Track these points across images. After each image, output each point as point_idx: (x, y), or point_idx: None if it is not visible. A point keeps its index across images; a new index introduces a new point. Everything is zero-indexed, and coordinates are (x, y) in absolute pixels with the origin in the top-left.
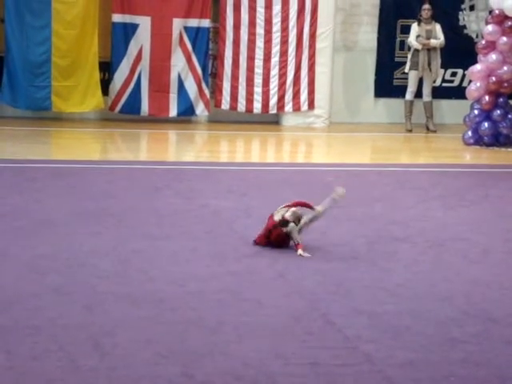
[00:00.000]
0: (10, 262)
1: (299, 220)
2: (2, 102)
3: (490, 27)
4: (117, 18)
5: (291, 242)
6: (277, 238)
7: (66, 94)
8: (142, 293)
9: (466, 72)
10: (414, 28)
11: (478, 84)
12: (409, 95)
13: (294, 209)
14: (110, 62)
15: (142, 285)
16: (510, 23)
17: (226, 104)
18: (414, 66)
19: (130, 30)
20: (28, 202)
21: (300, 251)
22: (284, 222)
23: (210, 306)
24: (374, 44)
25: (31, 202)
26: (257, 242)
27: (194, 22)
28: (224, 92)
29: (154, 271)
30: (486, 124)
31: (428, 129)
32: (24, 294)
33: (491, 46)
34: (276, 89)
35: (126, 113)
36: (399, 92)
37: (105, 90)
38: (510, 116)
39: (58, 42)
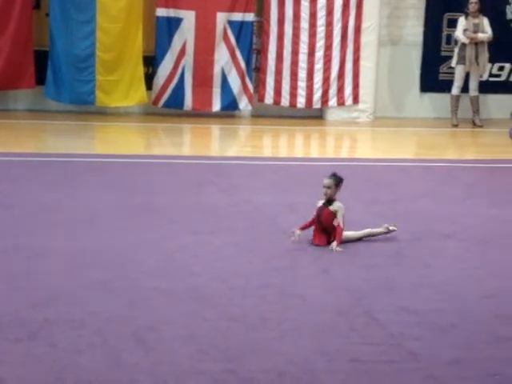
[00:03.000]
0: (53, 257)
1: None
2: (47, 96)
3: None
4: (161, 12)
5: (334, 222)
6: (327, 217)
7: (109, 88)
8: (185, 288)
9: None
10: (461, 22)
11: None
12: (455, 90)
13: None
14: (153, 56)
15: (185, 280)
16: None
17: (269, 98)
18: (461, 61)
19: (173, 24)
20: (72, 197)
21: (334, 245)
22: (330, 201)
23: (253, 302)
24: (419, 38)
25: (75, 196)
26: (302, 228)
27: (237, 16)
28: (267, 86)
29: (198, 267)
30: None
31: (474, 124)
32: (68, 289)
33: None
34: (320, 83)
35: (170, 107)
36: (445, 86)
37: (149, 85)
38: None
39: (103, 36)
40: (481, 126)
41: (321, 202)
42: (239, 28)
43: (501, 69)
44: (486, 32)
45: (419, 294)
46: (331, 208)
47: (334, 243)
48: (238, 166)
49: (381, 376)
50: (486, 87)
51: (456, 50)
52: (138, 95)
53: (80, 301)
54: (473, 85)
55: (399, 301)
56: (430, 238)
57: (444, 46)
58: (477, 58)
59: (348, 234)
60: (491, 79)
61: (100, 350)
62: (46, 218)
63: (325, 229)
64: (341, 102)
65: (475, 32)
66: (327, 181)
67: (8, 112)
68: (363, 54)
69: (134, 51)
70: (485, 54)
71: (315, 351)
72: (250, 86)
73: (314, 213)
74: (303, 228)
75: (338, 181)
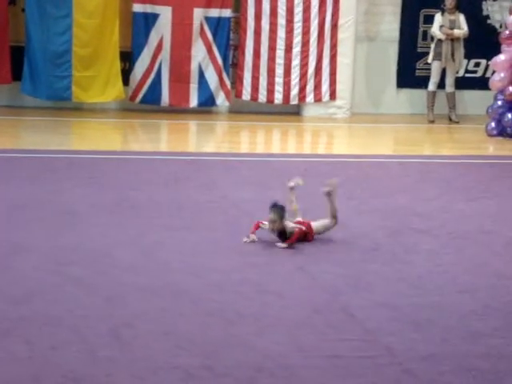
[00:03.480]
0: (30, 253)
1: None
2: (23, 92)
3: None
4: (137, 7)
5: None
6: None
7: (86, 84)
8: (162, 284)
9: (489, 62)
10: (438, 18)
11: (502, 74)
12: (431, 86)
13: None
14: (130, 51)
15: (162, 276)
16: None
17: (246, 94)
18: (437, 57)
19: (150, 19)
20: (48, 193)
21: (280, 244)
22: (283, 234)
23: (230, 298)
24: (396, 34)
25: (51, 192)
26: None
27: (215, 12)
28: (245, 82)
29: (175, 263)
30: (510, 115)
31: (451, 120)
32: (44, 285)
33: None
34: (297, 79)
35: (147, 103)
36: (422, 82)
37: (125, 80)
38: None
39: (79, 32)
40: (457, 122)
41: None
42: (216, 24)
43: (477, 65)
44: (462, 28)
45: (395, 290)
46: (288, 236)
47: (282, 244)
48: (215, 162)
49: (357, 371)
50: (462, 83)
51: (432, 46)
52: (114, 91)
53: (56, 298)
54: (449, 81)
55: (376, 296)
56: (406, 233)
57: (420, 42)
58: (453, 54)
59: (317, 225)
60: (467, 75)
61: (76, 346)
62: (23, 214)
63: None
64: (318, 98)
65: (451, 28)
66: (271, 215)
67: None
68: (340, 50)
69: (111, 47)
70: (461, 51)
71: (292, 347)
72: (228, 82)
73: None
74: (256, 228)
75: (281, 212)
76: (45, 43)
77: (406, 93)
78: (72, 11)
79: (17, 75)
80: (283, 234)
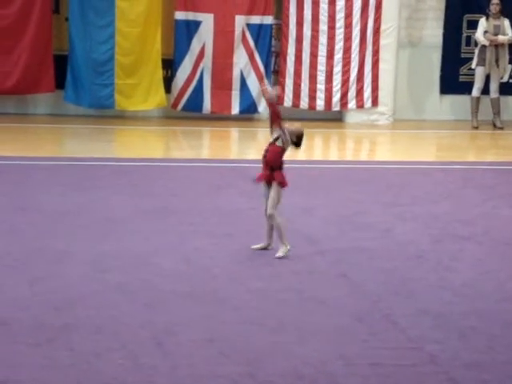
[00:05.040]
0: (72, 261)
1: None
2: (66, 100)
3: None
4: (179, 15)
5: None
6: (272, 155)
7: (128, 91)
8: (204, 291)
9: None
10: (482, 23)
11: None
12: (475, 91)
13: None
14: (172, 59)
15: (204, 283)
16: None
17: (288, 101)
18: (481, 62)
19: (192, 27)
20: (91, 200)
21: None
22: (276, 139)
23: (272, 306)
24: (439, 40)
25: (94, 200)
26: (258, 180)
27: (256, 19)
28: (286, 89)
29: (216, 269)
30: None
31: (495, 126)
32: (87, 293)
33: None
34: (339, 86)
35: (189, 110)
36: (465, 88)
37: (167, 88)
38: None
39: (122, 40)
40: (501, 128)
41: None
42: (258, 31)
43: None
44: (507, 34)
45: (439, 297)
46: (278, 143)
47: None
48: (257, 169)
49: (401, 379)
50: (507, 89)
51: (476, 51)
52: (156, 99)
53: (99, 305)
54: (493, 87)
55: (419, 304)
56: (449, 240)
57: (464, 47)
58: (497, 60)
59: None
60: None
61: (118, 353)
62: (66, 221)
63: (266, 162)
64: (360, 105)
65: (496, 34)
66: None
67: (28, 116)
68: (382, 56)
69: (153, 55)
70: (505, 56)
71: (334, 355)
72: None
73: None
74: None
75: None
76: (88, 52)
77: (450, 99)
78: (115, 20)
79: (60, 83)
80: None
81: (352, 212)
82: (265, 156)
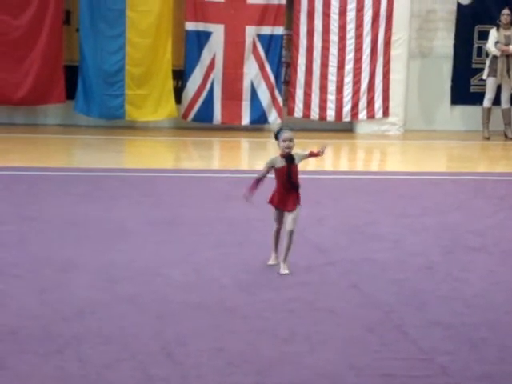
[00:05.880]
0: (82, 271)
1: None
2: (77, 110)
3: None
4: (190, 26)
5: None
6: (296, 173)
7: (139, 102)
8: (214, 301)
9: None
10: (493, 34)
11: None
12: (486, 102)
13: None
14: (183, 70)
15: (214, 293)
16: None
17: (298, 112)
18: (493, 73)
19: (203, 37)
20: (100, 211)
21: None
22: (291, 156)
23: (282, 316)
24: (450, 50)
25: (104, 210)
26: (271, 202)
27: (267, 30)
28: (297, 100)
29: (226, 280)
30: None
31: (506, 136)
32: (96, 303)
33: None
34: (350, 96)
35: (199, 121)
36: (476, 99)
37: (178, 99)
38: None
39: (132, 51)
40: None
41: (280, 162)
42: (268, 41)
43: None
44: None
45: (450, 308)
46: (296, 162)
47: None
48: (267, 180)
49: None
50: None
51: (487, 62)
52: (167, 109)
53: (108, 315)
54: (505, 97)
55: (430, 315)
56: (460, 251)
57: (475, 58)
58: (508, 70)
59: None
60: None
61: (128, 364)
62: (75, 231)
63: (294, 186)
64: (371, 115)
65: (507, 44)
66: (288, 134)
67: (38, 127)
68: (393, 66)
69: (164, 65)
70: None
71: (345, 365)
72: (280, 100)
73: (273, 175)
74: (252, 189)
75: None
76: (98, 62)
77: (461, 109)
78: (125, 30)
79: (70, 94)
80: (292, 158)
81: (362, 222)
82: (290, 177)
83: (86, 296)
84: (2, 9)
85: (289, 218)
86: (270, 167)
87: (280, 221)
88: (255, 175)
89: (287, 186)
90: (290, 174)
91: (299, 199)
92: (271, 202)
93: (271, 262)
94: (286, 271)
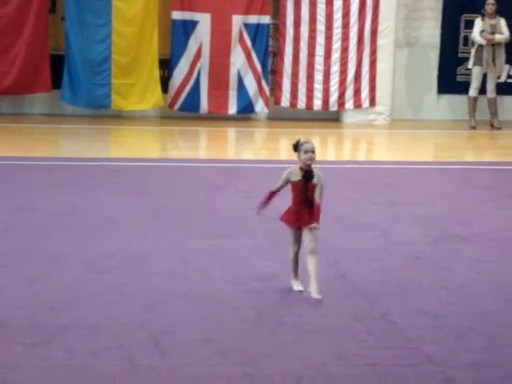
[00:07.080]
0: (69, 261)
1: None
2: (63, 100)
3: None
4: (176, 15)
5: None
6: (312, 192)
7: (125, 91)
8: (201, 291)
9: None
10: (478, 23)
11: None
12: (472, 91)
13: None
14: (169, 59)
15: (201, 283)
16: None
17: (285, 101)
18: (478, 62)
19: (189, 26)
20: (87, 201)
21: (315, 225)
22: (311, 172)
23: (269, 306)
24: (436, 40)
25: (90, 200)
26: (286, 220)
27: (253, 19)
28: (284, 89)
29: (214, 270)
30: None
31: (492, 125)
32: (83, 293)
33: None
34: (337, 86)
35: (186, 110)
36: (463, 88)
37: (164, 88)
38: None
39: (118, 40)
40: (499, 128)
41: (297, 176)
42: (255, 30)
43: None
44: (503, 33)
45: (437, 297)
46: (315, 181)
47: (314, 224)
48: (254, 169)
49: (398, 380)
50: (504, 89)
51: (473, 51)
52: (153, 98)
53: (95, 305)
54: (490, 86)
55: (417, 304)
56: (447, 240)
57: (461, 47)
58: (494, 59)
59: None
60: (509, 80)
61: (116, 353)
62: (62, 221)
63: (310, 204)
64: (357, 105)
65: (492, 33)
66: (309, 145)
67: (24, 116)
68: (380, 56)
69: (150, 54)
70: (502, 56)
71: (332, 355)
72: (266, 89)
73: (290, 188)
74: (266, 203)
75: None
76: (84, 51)
77: (447, 98)
78: (111, 19)
79: (56, 83)
80: (311, 175)
81: (349, 212)
82: (307, 195)
83: (73, 286)
84: None
85: (309, 236)
86: (286, 182)
87: (298, 240)
88: (242, 165)
89: (304, 202)
90: (307, 189)
91: (319, 216)
92: (286, 220)
93: (300, 287)
94: (320, 296)
